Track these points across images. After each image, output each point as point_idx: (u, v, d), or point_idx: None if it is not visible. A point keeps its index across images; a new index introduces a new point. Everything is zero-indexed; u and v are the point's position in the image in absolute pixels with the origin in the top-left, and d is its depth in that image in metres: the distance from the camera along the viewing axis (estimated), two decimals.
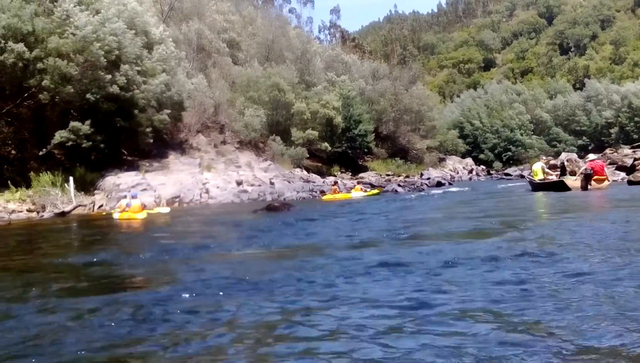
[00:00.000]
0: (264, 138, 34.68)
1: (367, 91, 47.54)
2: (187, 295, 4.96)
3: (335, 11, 76.12)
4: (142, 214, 15.83)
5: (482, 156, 65.54)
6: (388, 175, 40.08)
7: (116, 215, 16.09)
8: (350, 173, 39.43)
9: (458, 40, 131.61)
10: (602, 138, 65.20)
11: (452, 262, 5.92)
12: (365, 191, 25.62)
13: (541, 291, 4.45)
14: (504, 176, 43.72)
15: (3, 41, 19.28)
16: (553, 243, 6.93)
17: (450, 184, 35.13)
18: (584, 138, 67.43)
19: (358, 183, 28.67)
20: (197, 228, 13.29)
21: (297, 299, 4.61)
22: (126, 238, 11.77)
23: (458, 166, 56.77)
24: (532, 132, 68.66)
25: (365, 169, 42.12)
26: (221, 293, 5.02)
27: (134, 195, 17.19)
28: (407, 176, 40.49)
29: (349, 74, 47.91)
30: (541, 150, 64.63)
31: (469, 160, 61.35)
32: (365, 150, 43.13)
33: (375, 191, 26.32)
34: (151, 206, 20.22)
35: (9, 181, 19.82)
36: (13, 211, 17.97)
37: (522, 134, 66.51)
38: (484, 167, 60.21)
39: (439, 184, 32.71)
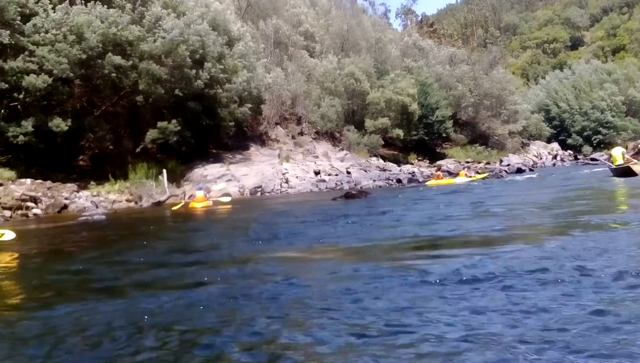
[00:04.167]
0: (340, 128, 35.41)
1: (445, 76, 47.01)
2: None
3: None
4: (202, 204, 17.94)
5: (569, 140, 62.73)
6: (467, 162, 39.62)
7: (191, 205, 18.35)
8: (428, 161, 39.34)
9: (542, 19, 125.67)
10: None
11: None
12: (470, 176, 26.09)
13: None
14: (590, 161, 41.90)
15: (102, 46, 21.08)
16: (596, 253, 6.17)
17: (531, 170, 34.25)
18: None
19: (463, 168, 29.14)
20: (256, 219, 13.78)
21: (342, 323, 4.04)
22: (184, 230, 12.75)
23: (542, 151, 54.99)
24: (625, 114, 64.84)
25: (443, 156, 41.82)
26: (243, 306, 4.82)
27: (198, 187, 19.46)
28: (488, 163, 39.87)
29: (425, 60, 47.61)
30: (635, 132, 61.15)
31: (555, 145, 59.14)
32: (444, 136, 42.73)
33: (481, 176, 26.76)
34: (236, 194, 21.97)
35: (109, 174, 21.81)
36: (114, 201, 19.85)
37: (613, 116, 63.01)
38: (570, 152, 57.80)
39: (519, 171, 32.04)
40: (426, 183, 25.10)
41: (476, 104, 48.45)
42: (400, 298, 4.61)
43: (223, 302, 4.87)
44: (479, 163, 39.96)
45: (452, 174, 29.08)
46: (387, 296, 4.71)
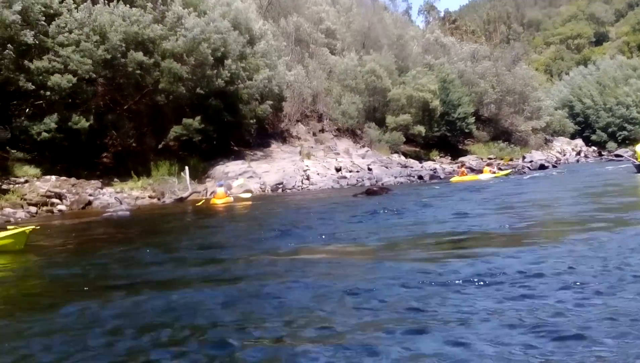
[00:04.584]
0: (361, 125, 35.29)
1: (467, 73, 46.56)
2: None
3: None
4: (222, 201, 18.06)
5: (593, 136, 61.67)
6: (490, 159, 39.19)
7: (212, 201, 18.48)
8: (450, 158, 39.03)
9: (566, 15, 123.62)
10: None
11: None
12: (494, 172, 26.04)
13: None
14: (614, 158, 41.06)
15: (124, 45, 21.31)
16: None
17: (554, 166, 33.82)
18: None
19: (487, 164, 28.95)
20: (275, 216, 13.71)
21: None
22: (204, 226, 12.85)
23: (566, 147, 54.20)
24: None
25: (465, 153, 41.44)
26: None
27: (219, 184, 19.62)
28: (511, 159, 39.40)
29: (447, 57, 47.20)
30: None
31: (579, 141, 58.26)
32: (466, 132, 42.32)
33: (505, 172, 26.87)
34: (257, 190, 22.14)
35: (132, 171, 22.05)
36: (137, 198, 20.05)
37: (639, 112, 61.67)
38: (594, 148, 56.85)
39: (542, 167, 31.64)
40: (450, 180, 25.13)
41: (499, 100, 47.94)
42: (417, 298, 4.54)
43: (237, 301, 4.85)
44: (501, 159, 39.50)
45: (474, 170, 28.84)
46: (406, 295, 4.64)
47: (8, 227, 10.36)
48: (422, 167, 31.41)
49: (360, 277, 5.45)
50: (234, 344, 3.69)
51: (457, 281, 4.98)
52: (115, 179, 21.63)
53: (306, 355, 3.41)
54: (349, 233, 8.96)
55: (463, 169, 26.37)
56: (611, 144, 59.03)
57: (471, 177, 24.70)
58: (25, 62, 19.72)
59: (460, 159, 37.69)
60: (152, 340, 3.88)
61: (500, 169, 29.33)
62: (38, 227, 9.93)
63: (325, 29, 40.43)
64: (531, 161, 35.86)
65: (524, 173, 28.71)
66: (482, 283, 4.88)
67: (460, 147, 42.85)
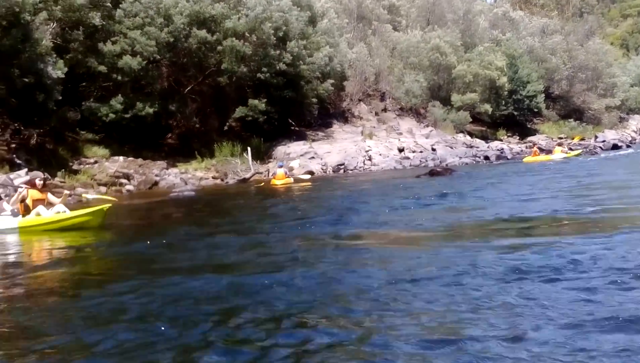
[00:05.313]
0: (425, 104, 34.39)
1: (536, 48, 44.47)
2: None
3: None
4: (282, 182, 18.05)
5: None
6: (560, 138, 37.46)
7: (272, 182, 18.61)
8: (518, 137, 37.59)
9: None
10: None
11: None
12: (566, 152, 25.33)
13: None
14: None
15: (188, 28, 21.51)
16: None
17: (628, 146, 31.98)
18: None
19: (558, 144, 27.93)
20: (335, 198, 13.30)
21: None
22: (263, 206, 12.78)
23: None
24: None
25: (534, 132, 39.85)
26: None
27: (280, 165, 19.60)
28: (582, 139, 37.52)
29: (515, 32, 45.25)
30: None
31: None
32: (535, 111, 40.53)
33: (576, 152, 26.22)
34: (319, 171, 22.15)
35: (195, 152, 22.40)
36: (201, 178, 20.40)
37: None
38: None
39: (615, 147, 30.07)
40: (523, 160, 24.58)
41: (570, 77, 45.66)
42: (478, 292, 4.15)
43: (296, 287, 4.65)
44: (573, 138, 37.63)
45: (543, 150, 27.68)
46: (465, 287, 4.30)
47: (82, 196, 10.76)
48: (488, 147, 30.41)
49: (418, 266, 5.11)
50: (287, 332, 3.55)
51: (523, 272, 4.56)
52: (180, 160, 22.04)
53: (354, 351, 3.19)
54: (410, 217, 8.62)
55: (535, 149, 25.60)
56: None
57: (544, 157, 24.05)
58: (100, 44, 20.27)
59: (529, 138, 36.25)
60: (209, 324, 3.75)
61: (570, 149, 28.03)
62: (112, 201, 10.22)
63: (389, 5, 39.57)
64: (603, 141, 34.02)
65: (596, 153, 27.47)
66: (554, 276, 4.45)
67: (528, 126, 41.13)
